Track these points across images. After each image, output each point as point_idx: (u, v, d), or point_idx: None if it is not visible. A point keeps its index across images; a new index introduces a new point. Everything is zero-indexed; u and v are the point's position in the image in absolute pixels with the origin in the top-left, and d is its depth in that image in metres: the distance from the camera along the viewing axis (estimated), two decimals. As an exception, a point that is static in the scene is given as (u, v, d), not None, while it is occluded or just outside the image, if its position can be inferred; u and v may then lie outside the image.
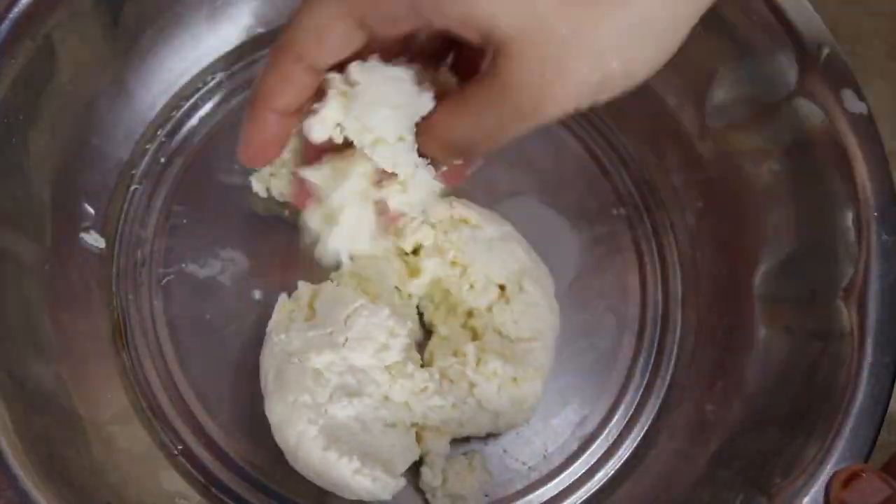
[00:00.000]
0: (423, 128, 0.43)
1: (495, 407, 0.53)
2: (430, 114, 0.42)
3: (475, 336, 0.55)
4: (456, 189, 0.52)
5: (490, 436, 0.56)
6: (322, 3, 0.39)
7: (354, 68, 0.42)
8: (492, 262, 0.56)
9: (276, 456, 0.53)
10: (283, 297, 0.55)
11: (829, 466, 0.46)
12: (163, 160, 0.62)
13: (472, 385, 0.52)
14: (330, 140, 0.44)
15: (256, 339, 0.56)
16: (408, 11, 0.38)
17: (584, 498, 0.56)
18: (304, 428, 0.50)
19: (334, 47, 0.40)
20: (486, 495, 0.56)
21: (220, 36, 0.64)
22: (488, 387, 0.52)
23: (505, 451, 0.56)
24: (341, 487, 0.50)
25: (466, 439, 0.56)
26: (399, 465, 0.52)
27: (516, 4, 0.36)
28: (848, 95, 0.53)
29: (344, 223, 0.47)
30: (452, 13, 0.37)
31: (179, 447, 0.55)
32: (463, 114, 0.41)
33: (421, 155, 0.44)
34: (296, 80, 0.42)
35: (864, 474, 0.39)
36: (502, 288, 0.56)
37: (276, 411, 0.51)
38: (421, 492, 0.55)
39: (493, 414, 0.53)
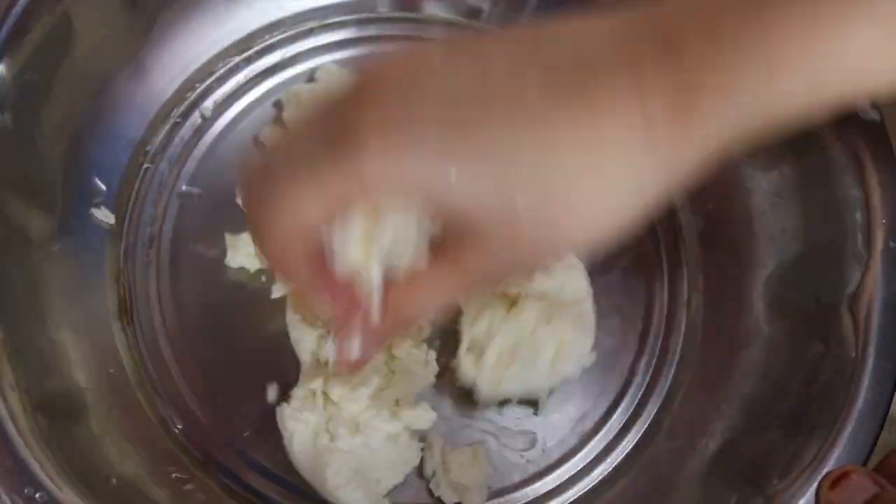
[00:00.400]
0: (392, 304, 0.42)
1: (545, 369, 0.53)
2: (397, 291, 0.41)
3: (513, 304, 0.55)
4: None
5: (487, 431, 0.56)
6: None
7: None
8: None
9: (276, 439, 0.53)
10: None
11: (826, 469, 0.46)
12: (176, 140, 0.63)
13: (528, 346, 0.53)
14: None
15: (261, 321, 0.56)
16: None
17: (581, 493, 0.56)
18: (306, 417, 0.50)
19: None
20: (489, 487, 0.56)
21: (239, 19, 0.65)
22: (545, 349, 0.53)
23: (503, 443, 0.56)
24: (323, 492, 0.51)
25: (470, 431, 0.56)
26: (390, 481, 0.53)
27: (496, 207, 0.35)
28: (861, 102, 0.53)
29: None
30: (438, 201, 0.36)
31: (179, 425, 0.55)
32: (426, 291, 0.41)
33: None
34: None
35: (853, 474, 0.38)
36: None
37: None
38: (425, 479, 0.55)
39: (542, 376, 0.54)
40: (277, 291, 0.57)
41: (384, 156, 0.35)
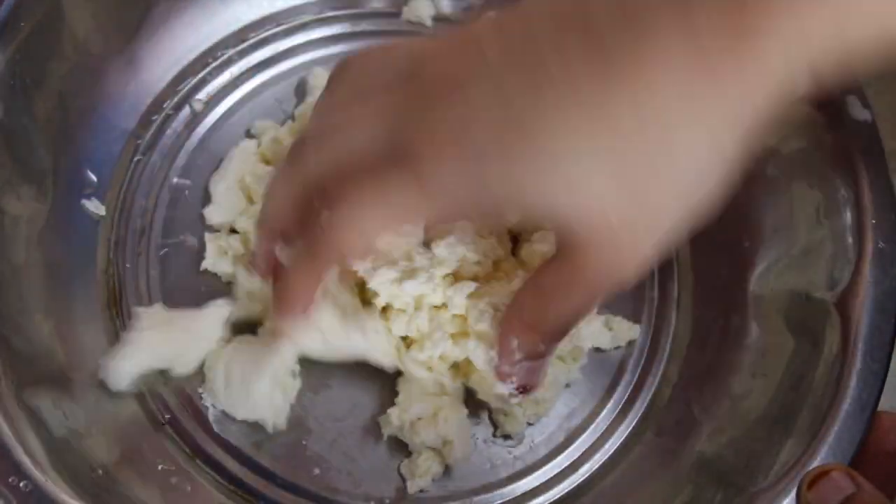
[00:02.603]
0: (517, 325, 0.44)
1: None
2: (516, 308, 0.44)
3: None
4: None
5: (475, 425, 0.56)
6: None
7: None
8: None
9: (263, 431, 0.54)
10: None
11: (811, 468, 0.46)
12: (168, 132, 0.63)
13: None
14: None
15: (250, 314, 0.56)
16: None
17: (567, 489, 0.56)
18: None
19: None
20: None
21: (233, 12, 0.65)
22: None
23: (489, 438, 0.56)
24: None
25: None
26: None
27: (585, 208, 0.35)
28: (853, 102, 0.53)
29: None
30: (531, 207, 0.37)
31: (167, 416, 0.55)
32: (553, 302, 0.41)
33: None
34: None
35: (832, 473, 0.38)
36: None
37: None
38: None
39: None
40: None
41: (441, 169, 0.36)
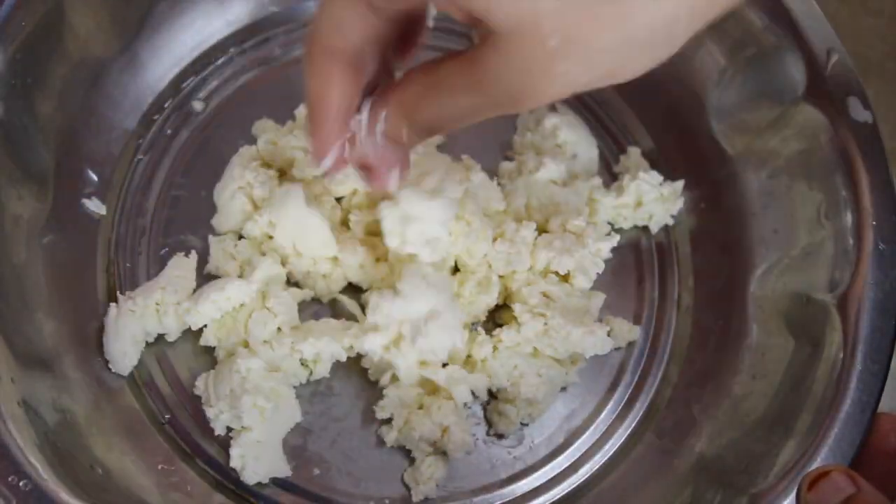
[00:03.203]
0: (393, 101, 0.42)
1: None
2: (401, 85, 0.42)
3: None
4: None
5: (474, 425, 0.56)
6: None
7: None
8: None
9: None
10: None
11: (810, 469, 0.46)
12: (169, 132, 0.63)
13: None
14: None
15: (250, 314, 0.56)
16: None
17: (567, 490, 0.56)
18: None
19: (352, 33, 0.40)
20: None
21: (233, 12, 0.65)
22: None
23: (489, 439, 0.56)
24: None
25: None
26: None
27: (516, 2, 0.35)
28: (854, 103, 0.53)
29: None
30: None
31: (167, 416, 0.55)
32: (437, 94, 0.40)
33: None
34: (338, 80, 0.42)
35: (832, 474, 0.38)
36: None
37: None
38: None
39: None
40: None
41: None
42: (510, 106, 0.38)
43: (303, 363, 0.55)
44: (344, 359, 0.55)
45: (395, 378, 0.55)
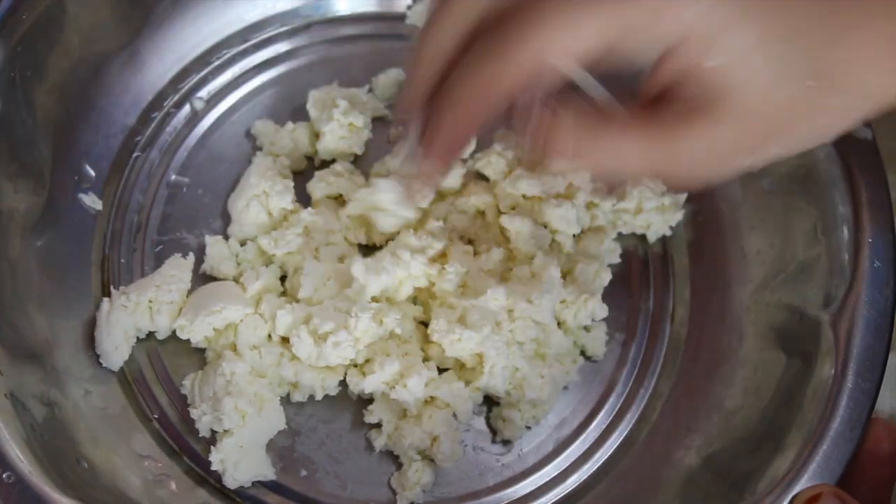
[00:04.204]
0: (573, 123, 0.39)
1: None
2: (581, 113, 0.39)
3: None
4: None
5: (463, 432, 0.56)
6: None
7: None
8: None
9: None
10: None
11: (799, 486, 0.45)
12: (168, 129, 0.63)
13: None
14: None
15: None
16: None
17: (555, 499, 0.55)
18: None
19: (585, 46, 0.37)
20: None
21: (236, 11, 0.65)
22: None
23: (479, 446, 0.56)
24: None
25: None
26: None
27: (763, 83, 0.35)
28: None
29: None
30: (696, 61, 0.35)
31: (156, 414, 0.55)
32: (655, 145, 0.38)
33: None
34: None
35: (823, 496, 0.38)
36: None
37: None
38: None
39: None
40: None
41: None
42: (719, 168, 0.38)
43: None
44: (320, 397, 0.55)
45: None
